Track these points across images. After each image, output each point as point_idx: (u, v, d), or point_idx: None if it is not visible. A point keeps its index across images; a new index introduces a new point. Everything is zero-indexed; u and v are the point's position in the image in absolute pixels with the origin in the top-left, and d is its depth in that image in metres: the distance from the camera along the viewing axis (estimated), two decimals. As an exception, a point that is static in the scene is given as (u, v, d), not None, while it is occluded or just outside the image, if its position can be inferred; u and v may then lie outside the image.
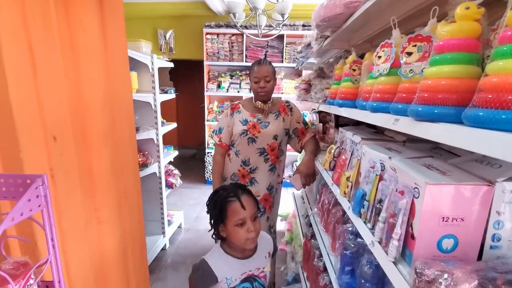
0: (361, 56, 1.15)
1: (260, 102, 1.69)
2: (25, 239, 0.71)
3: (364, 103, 0.91)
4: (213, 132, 1.76)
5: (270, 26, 3.02)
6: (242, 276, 1.03)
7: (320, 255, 1.49)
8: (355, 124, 1.53)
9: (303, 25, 4.11)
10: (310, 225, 1.85)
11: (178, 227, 3.05)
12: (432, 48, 0.59)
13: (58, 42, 0.80)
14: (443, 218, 0.60)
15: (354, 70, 1.14)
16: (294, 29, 4.10)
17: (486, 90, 0.46)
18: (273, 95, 1.75)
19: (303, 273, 1.82)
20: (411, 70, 0.67)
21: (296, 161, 2.81)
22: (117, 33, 1.06)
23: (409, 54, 0.68)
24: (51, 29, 0.78)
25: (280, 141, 1.72)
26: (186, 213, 3.36)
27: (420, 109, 0.57)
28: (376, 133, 1.23)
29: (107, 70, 1.01)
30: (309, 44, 2.12)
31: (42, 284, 0.66)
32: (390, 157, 0.78)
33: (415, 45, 0.66)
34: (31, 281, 0.59)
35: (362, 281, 0.90)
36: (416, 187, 0.62)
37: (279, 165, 1.77)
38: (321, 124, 2.08)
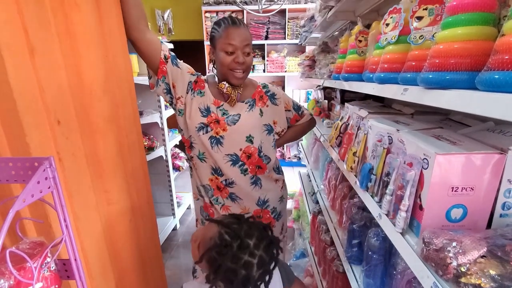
0: (368, 27, 1.10)
1: (226, 84, 1.12)
2: (39, 220, 0.74)
3: (371, 75, 0.88)
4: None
5: (271, 0, 2.90)
6: None
7: (327, 230, 1.52)
8: (361, 100, 1.50)
9: (306, -2, 3.94)
10: (317, 202, 1.87)
11: (187, 208, 3.13)
12: (445, 10, 0.55)
13: (53, 23, 0.78)
14: (453, 188, 0.59)
15: (360, 41, 1.10)
16: (296, 2, 3.93)
17: (502, 51, 0.43)
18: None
19: (311, 247, 1.86)
20: (422, 36, 0.63)
21: (302, 139, 2.77)
22: (113, 12, 1.02)
23: (420, 18, 0.64)
24: (45, 10, 0.76)
25: (260, 144, 1.16)
26: (194, 194, 3.42)
27: (430, 76, 0.54)
28: (383, 107, 1.20)
29: (106, 52, 0.99)
30: (312, 17, 2.04)
31: (59, 262, 0.69)
32: (398, 130, 0.77)
33: (426, 8, 0.63)
34: (48, 260, 0.61)
35: (369, 253, 0.92)
36: (425, 158, 0.61)
37: (267, 174, 1.22)
38: (326, 101, 2.04)
